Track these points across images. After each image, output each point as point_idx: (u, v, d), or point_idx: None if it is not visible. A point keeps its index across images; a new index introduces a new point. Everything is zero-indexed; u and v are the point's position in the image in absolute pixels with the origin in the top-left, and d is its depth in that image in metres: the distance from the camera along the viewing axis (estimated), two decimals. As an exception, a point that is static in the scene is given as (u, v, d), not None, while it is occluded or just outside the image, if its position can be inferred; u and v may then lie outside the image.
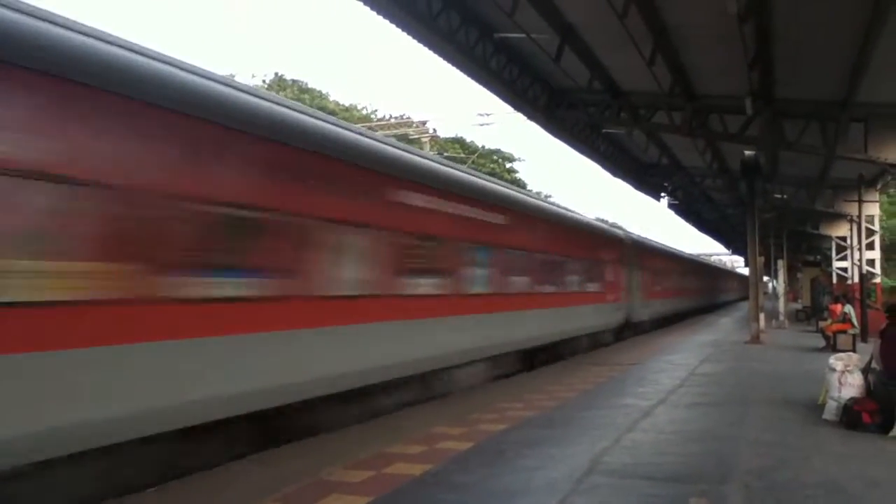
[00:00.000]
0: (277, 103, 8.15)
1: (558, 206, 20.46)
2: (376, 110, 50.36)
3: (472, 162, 44.55)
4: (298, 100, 41.56)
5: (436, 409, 9.82)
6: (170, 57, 6.75)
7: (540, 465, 6.44)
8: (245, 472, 6.46)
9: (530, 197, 17.73)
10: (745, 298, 68.13)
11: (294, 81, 45.57)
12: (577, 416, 8.93)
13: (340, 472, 6.18)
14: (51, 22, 5.59)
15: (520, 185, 53.37)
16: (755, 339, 19.84)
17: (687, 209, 39.87)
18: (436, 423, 8.35)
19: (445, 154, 44.24)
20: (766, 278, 46.75)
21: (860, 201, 22.10)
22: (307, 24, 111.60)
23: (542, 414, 9.07)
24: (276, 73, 45.77)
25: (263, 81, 45.07)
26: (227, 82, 7.52)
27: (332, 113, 41.41)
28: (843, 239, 30.23)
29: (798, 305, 38.41)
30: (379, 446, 7.15)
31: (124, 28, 76.80)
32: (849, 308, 18.28)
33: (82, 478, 5.68)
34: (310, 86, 46.18)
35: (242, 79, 45.04)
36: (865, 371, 8.81)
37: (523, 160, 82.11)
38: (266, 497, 5.49)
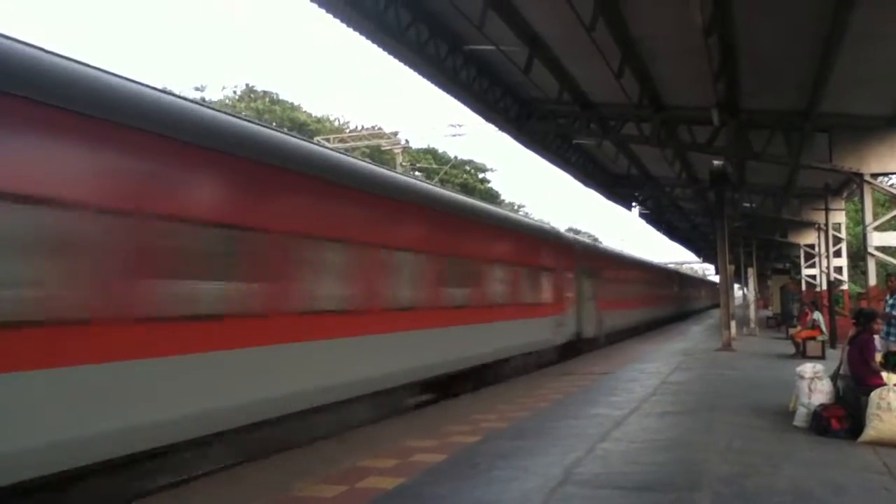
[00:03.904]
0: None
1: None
2: (348, 122, 50.36)
3: (445, 173, 44.65)
4: (269, 111, 41.48)
5: (408, 421, 9.77)
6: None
7: (513, 476, 6.42)
8: (214, 488, 6.37)
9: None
10: (716, 306, 68.25)
11: (265, 93, 45.40)
12: (550, 427, 8.93)
13: (312, 487, 6.12)
14: None
15: (492, 195, 53.58)
16: (726, 346, 20.02)
17: (658, 218, 40.26)
18: (408, 436, 8.30)
19: (418, 165, 44.35)
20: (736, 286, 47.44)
21: (827, 210, 22.46)
22: (277, 35, 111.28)
23: (514, 425, 9.06)
24: (247, 85, 45.57)
25: (234, 92, 44.83)
26: None
27: (304, 125, 41.34)
28: (811, 247, 30.69)
29: (768, 313, 38.88)
30: (351, 460, 7.09)
31: (83, 38, 76.11)
32: (818, 315, 18.53)
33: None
34: (281, 97, 46.05)
35: (213, 90, 44.84)
36: (834, 377, 8.92)
37: (496, 170, 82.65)
38: (235, 514, 5.42)
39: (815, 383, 8.71)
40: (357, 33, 12.88)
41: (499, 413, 9.92)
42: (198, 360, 6.54)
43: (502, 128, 19.05)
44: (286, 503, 5.69)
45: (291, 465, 7.24)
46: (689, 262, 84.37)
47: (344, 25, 12.53)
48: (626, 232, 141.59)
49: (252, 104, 42.33)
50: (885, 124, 15.09)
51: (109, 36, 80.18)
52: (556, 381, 13.71)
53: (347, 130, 46.42)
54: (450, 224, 12.79)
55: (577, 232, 54.40)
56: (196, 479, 6.66)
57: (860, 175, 15.52)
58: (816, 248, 29.45)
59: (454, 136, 46.71)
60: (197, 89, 42.32)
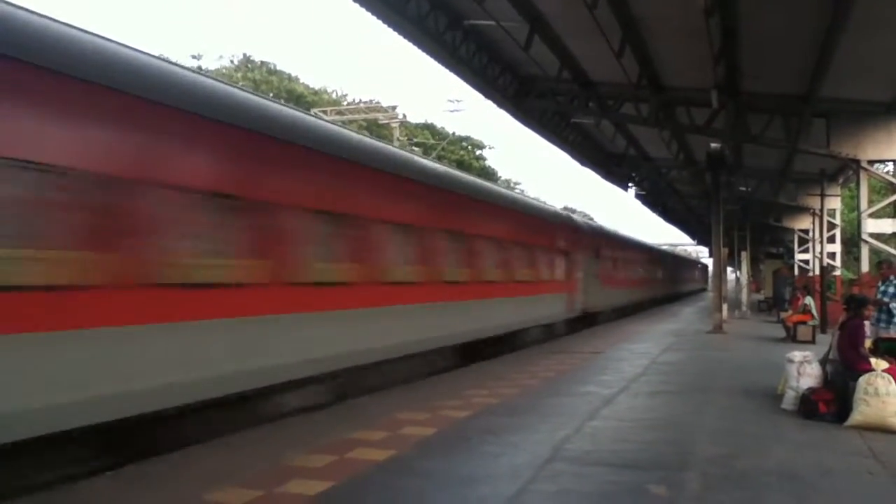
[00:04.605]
0: None
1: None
2: (346, 95, 50.04)
3: (442, 149, 44.47)
4: (266, 82, 41.15)
5: (400, 395, 9.81)
6: None
7: (502, 451, 6.47)
8: (204, 457, 6.39)
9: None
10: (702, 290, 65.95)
11: (263, 63, 45.04)
12: (540, 404, 8.99)
13: (302, 458, 6.15)
14: None
15: (489, 172, 53.45)
16: (717, 328, 20.11)
17: (653, 200, 40.23)
18: (400, 409, 8.34)
19: (415, 140, 44.14)
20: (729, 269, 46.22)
21: (822, 195, 22.48)
22: (276, 4, 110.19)
23: (505, 401, 9.11)
24: (245, 54, 45.22)
25: (231, 62, 44.47)
26: None
27: (301, 96, 41.04)
28: (805, 232, 30.76)
29: (760, 296, 39.00)
30: (342, 432, 7.13)
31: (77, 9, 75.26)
32: (809, 300, 18.61)
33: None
34: (278, 68, 45.69)
35: (210, 59, 44.49)
36: (824, 362, 8.98)
37: (494, 148, 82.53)
38: (225, 482, 5.44)
39: (804, 367, 8.77)
40: (357, 4, 12.78)
41: (490, 389, 9.97)
42: None
43: (500, 104, 18.96)
44: (277, 472, 5.71)
45: (283, 435, 7.28)
46: (684, 245, 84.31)
47: (344, -3, 12.43)
48: (622, 213, 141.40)
49: (249, 74, 41.99)
50: (884, 111, 15.08)
51: (106, 2, 79.27)
52: (547, 359, 13.76)
53: (345, 103, 46.15)
54: None
55: (572, 211, 54.33)
56: (188, 447, 6.68)
57: (857, 161, 15.52)
58: (810, 234, 29.50)
59: (453, 111, 46.55)
60: (194, 57, 42.05)
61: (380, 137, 23.37)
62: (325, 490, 5.27)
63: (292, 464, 5.97)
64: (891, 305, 10.67)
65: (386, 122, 39.21)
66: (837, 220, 25.80)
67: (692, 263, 71.94)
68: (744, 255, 33.43)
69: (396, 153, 12.74)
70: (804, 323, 17.65)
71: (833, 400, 8.18)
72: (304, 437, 7.02)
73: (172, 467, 6.06)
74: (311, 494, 5.18)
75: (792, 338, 17.23)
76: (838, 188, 25.45)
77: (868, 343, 8.93)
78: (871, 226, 15.60)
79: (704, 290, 72.87)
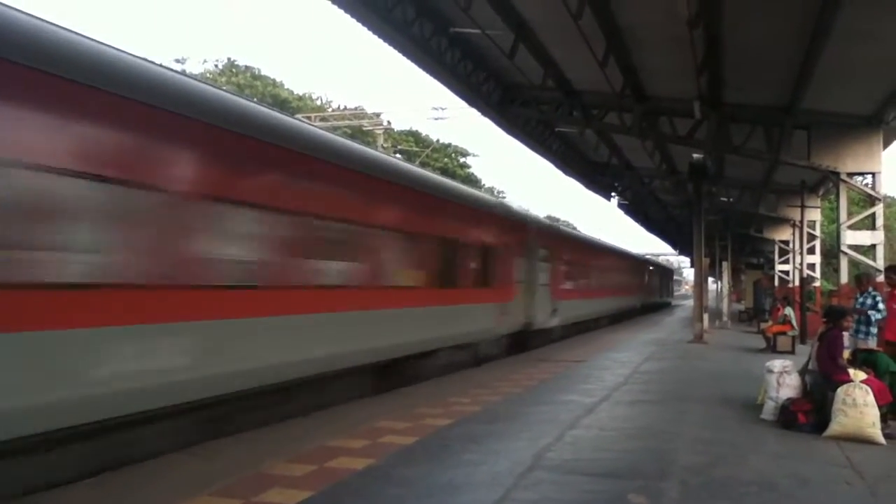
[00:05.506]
0: None
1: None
2: (330, 101, 49.93)
3: (426, 156, 44.49)
4: (250, 86, 40.97)
5: (381, 402, 9.78)
6: None
7: (483, 459, 6.45)
8: (182, 464, 6.33)
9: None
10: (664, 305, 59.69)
11: (247, 68, 44.85)
12: (522, 412, 8.98)
13: (282, 466, 6.11)
14: None
15: (473, 180, 53.49)
16: (698, 338, 20.21)
17: (636, 209, 40.42)
18: (380, 417, 8.31)
19: (399, 147, 44.14)
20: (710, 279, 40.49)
21: (802, 207, 22.67)
22: (261, 8, 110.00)
23: (487, 409, 9.10)
24: (229, 59, 45.00)
25: (216, 66, 44.26)
26: None
27: (285, 101, 40.91)
28: (786, 243, 31.02)
29: (741, 306, 39.27)
30: (322, 439, 7.09)
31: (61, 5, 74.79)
32: (789, 310, 18.76)
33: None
34: (263, 73, 45.50)
35: (194, 63, 44.28)
36: (803, 372, 9.04)
37: (477, 156, 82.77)
38: (203, 490, 5.39)
39: (783, 377, 8.83)
40: (342, 10, 12.77)
41: (472, 397, 9.96)
42: None
43: (484, 112, 18.98)
44: (256, 481, 5.67)
45: (262, 442, 7.22)
46: (665, 254, 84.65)
47: (328, 2, 12.42)
48: (605, 223, 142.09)
49: (233, 79, 41.81)
50: (864, 123, 15.23)
51: (89, 4, 78.82)
52: (530, 367, 13.77)
53: (330, 109, 46.05)
54: None
55: (555, 220, 54.42)
56: (167, 455, 6.62)
57: (837, 174, 15.66)
58: (791, 245, 29.75)
59: (437, 119, 46.41)
60: (178, 61, 41.77)
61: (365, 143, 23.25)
62: (304, 499, 5.23)
63: (272, 472, 5.93)
64: (869, 313, 10.76)
65: (370, 128, 39.17)
66: (817, 232, 26.04)
67: (638, 264, 46.10)
68: (725, 265, 33.69)
69: None
70: (784, 333, 17.80)
71: (812, 410, 8.24)
72: (283, 445, 6.98)
73: (150, 475, 5.99)
74: (291, 504, 5.14)
75: (772, 348, 17.35)
76: (818, 200, 25.71)
77: (846, 354, 9.00)
78: (851, 237, 15.73)
79: (669, 304, 65.19)
